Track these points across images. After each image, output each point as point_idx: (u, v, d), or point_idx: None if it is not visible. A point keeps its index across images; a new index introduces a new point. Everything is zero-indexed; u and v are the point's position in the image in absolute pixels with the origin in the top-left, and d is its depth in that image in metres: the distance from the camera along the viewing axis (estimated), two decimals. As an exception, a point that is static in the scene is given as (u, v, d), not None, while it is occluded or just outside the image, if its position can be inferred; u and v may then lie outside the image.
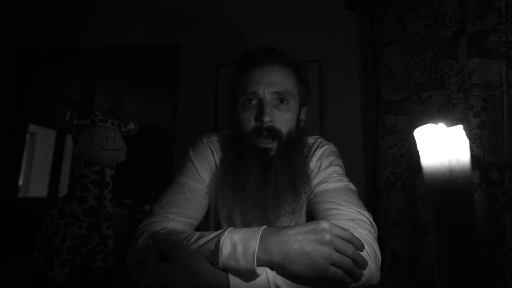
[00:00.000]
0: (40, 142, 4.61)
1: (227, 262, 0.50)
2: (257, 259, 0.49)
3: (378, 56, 1.70)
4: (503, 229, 0.98)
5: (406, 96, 1.48)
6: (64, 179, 4.63)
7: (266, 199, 0.76)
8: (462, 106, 1.13)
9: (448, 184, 0.23)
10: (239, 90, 0.83)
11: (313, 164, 0.82)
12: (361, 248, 0.52)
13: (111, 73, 3.29)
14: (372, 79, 1.76)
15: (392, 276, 1.43)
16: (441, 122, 0.24)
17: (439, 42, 1.30)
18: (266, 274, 0.50)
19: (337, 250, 0.49)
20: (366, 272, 0.54)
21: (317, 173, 0.80)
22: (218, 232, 0.54)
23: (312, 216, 0.78)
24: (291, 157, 0.77)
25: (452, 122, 1.13)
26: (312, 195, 0.77)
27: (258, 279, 0.50)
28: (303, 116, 0.88)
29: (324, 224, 0.50)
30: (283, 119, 0.78)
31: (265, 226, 0.53)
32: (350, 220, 0.65)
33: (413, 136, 0.25)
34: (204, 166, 0.83)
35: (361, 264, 0.51)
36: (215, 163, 0.85)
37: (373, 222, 0.69)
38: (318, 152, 0.84)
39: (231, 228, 0.54)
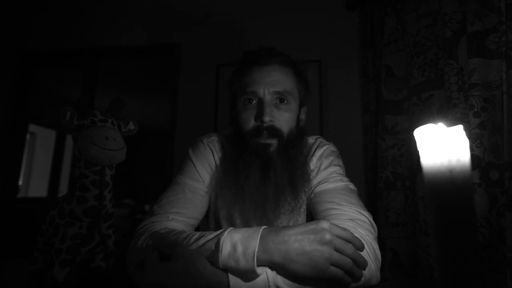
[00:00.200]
0: (40, 142, 4.61)
1: (227, 262, 0.50)
2: (257, 259, 0.49)
3: (378, 56, 1.70)
4: (503, 229, 0.98)
5: (406, 96, 1.48)
6: (64, 179, 4.63)
7: (266, 198, 0.76)
8: (462, 106, 1.13)
9: (448, 184, 0.23)
10: (239, 90, 0.83)
11: (313, 164, 0.83)
12: (361, 248, 0.52)
13: (111, 73, 3.29)
14: (372, 79, 1.76)
15: (392, 276, 1.43)
16: (441, 122, 0.24)
17: (439, 42, 1.30)
18: (266, 274, 0.50)
19: (337, 250, 0.49)
20: (366, 272, 0.54)
21: (317, 173, 0.80)
22: (218, 232, 0.54)
23: (312, 216, 0.78)
24: (291, 156, 0.78)
25: (452, 122, 1.13)
26: (312, 195, 0.77)
27: (258, 279, 0.50)
28: (303, 116, 0.88)
29: (324, 224, 0.50)
30: (283, 119, 0.78)
31: (265, 226, 0.53)
32: (350, 220, 0.65)
33: (413, 136, 0.25)
34: (204, 166, 0.83)
35: (361, 264, 0.51)
36: (215, 163, 0.85)
37: (373, 222, 0.69)
38: (318, 152, 0.84)
39: (231, 228, 0.54)
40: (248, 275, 0.50)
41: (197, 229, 0.81)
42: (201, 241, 0.54)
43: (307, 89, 0.87)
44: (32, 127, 4.35)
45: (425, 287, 1.23)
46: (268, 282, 0.49)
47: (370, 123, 1.75)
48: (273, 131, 0.76)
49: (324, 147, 0.85)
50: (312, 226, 0.50)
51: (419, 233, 1.30)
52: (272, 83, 0.78)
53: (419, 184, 1.31)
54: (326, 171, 0.80)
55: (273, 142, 0.77)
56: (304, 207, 0.80)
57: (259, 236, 0.50)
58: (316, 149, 0.85)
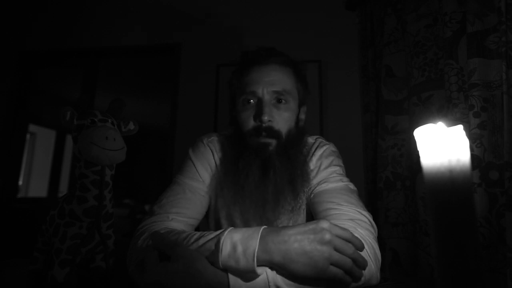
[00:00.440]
0: (40, 142, 4.61)
1: (227, 262, 0.50)
2: (257, 259, 0.49)
3: (378, 56, 1.70)
4: (503, 229, 0.98)
5: (406, 96, 1.48)
6: (64, 179, 4.63)
7: (266, 198, 0.76)
8: (462, 106, 1.13)
9: (448, 184, 0.23)
10: (238, 90, 0.83)
11: (313, 164, 0.82)
12: (361, 248, 0.52)
13: (111, 73, 3.29)
14: (372, 79, 1.76)
15: (392, 276, 1.43)
16: (441, 122, 0.24)
17: (439, 42, 1.30)
18: (266, 274, 0.50)
19: (337, 250, 0.49)
20: (366, 272, 0.54)
21: (317, 173, 0.80)
22: (218, 232, 0.54)
23: (312, 216, 0.78)
24: (291, 156, 0.78)
25: (452, 122, 1.13)
26: (312, 195, 0.77)
27: (258, 279, 0.50)
28: (302, 116, 0.88)
29: (324, 224, 0.50)
30: (282, 119, 0.78)
31: (265, 226, 0.53)
32: (350, 220, 0.65)
33: (413, 136, 0.25)
34: (204, 166, 0.83)
35: (361, 264, 0.51)
36: (215, 163, 0.85)
37: (373, 222, 0.69)
38: (318, 152, 0.84)
39: (231, 228, 0.54)
40: (248, 275, 0.50)
41: (197, 229, 0.81)
42: (201, 241, 0.54)
43: (307, 89, 0.87)
44: (32, 127, 4.35)
45: (425, 287, 1.23)
46: (268, 282, 0.49)
47: (370, 123, 1.75)
48: (272, 132, 0.76)
49: (324, 147, 0.85)
50: (312, 226, 0.50)
51: (419, 233, 1.30)
52: (271, 82, 0.78)
53: (419, 184, 1.31)
54: (326, 171, 0.80)
55: (272, 141, 0.77)
56: (304, 207, 0.80)
57: (259, 236, 0.50)
58: (316, 149, 0.85)
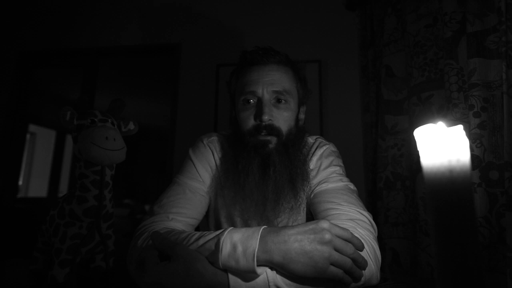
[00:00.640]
0: (40, 142, 4.61)
1: (227, 262, 0.50)
2: (257, 258, 0.49)
3: (378, 56, 1.70)
4: (503, 229, 0.98)
5: (406, 96, 1.48)
6: (64, 179, 4.63)
7: (266, 196, 0.76)
8: (462, 106, 1.13)
9: (448, 184, 0.23)
10: (237, 90, 0.83)
11: (313, 164, 0.82)
12: (361, 248, 0.52)
13: (111, 73, 3.29)
14: (372, 79, 1.76)
15: (392, 276, 1.44)
16: (441, 122, 0.24)
17: (439, 42, 1.30)
18: (266, 274, 0.50)
19: (336, 249, 0.49)
20: (366, 272, 0.54)
21: (317, 173, 0.80)
22: (218, 232, 0.54)
23: (312, 215, 0.78)
24: (291, 154, 0.78)
25: (452, 122, 1.13)
26: (312, 195, 0.77)
27: (258, 279, 0.50)
28: (302, 116, 0.88)
29: (324, 224, 0.50)
30: (282, 118, 0.78)
31: (265, 226, 0.53)
32: (350, 220, 0.65)
33: (413, 136, 0.25)
34: (204, 166, 0.83)
35: (361, 264, 0.51)
36: (215, 163, 0.85)
37: (373, 222, 0.69)
38: (318, 152, 0.84)
39: (231, 228, 0.54)
40: (248, 275, 0.50)
41: (197, 229, 0.81)
42: (201, 241, 0.54)
43: (306, 88, 0.88)
44: (32, 127, 4.35)
45: (425, 287, 1.23)
46: (268, 282, 0.49)
47: (370, 123, 1.75)
48: (272, 130, 0.77)
49: (324, 147, 0.85)
50: (312, 226, 0.50)
51: (419, 233, 1.30)
52: (271, 82, 0.78)
53: (419, 184, 1.31)
54: (326, 171, 0.80)
55: (272, 139, 0.77)
56: (304, 205, 0.80)
57: (259, 236, 0.50)
58: (316, 149, 0.85)
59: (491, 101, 1.05)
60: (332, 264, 0.48)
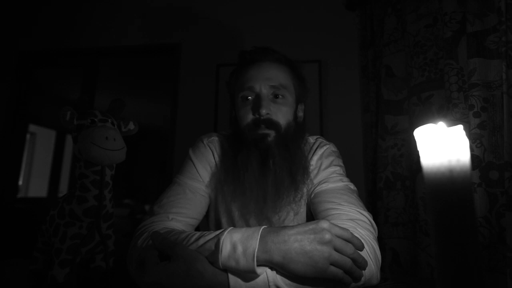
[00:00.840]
0: (40, 142, 4.61)
1: (227, 262, 0.50)
2: (257, 258, 0.49)
3: (378, 56, 1.70)
4: (503, 229, 0.98)
5: (406, 96, 1.48)
6: (64, 179, 4.63)
7: (266, 189, 0.76)
8: (462, 106, 1.13)
9: (448, 184, 0.23)
10: (236, 89, 0.85)
11: (313, 163, 0.83)
12: (361, 248, 0.52)
13: (111, 73, 3.29)
14: (372, 79, 1.76)
15: (392, 276, 1.44)
16: (441, 122, 0.24)
17: (439, 42, 1.30)
18: (266, 274, 0.50)
19: (336, 249, 0.49)
20: (366, 272, 0.54)
21: (317, 173, 0.80)
22: (217, 232, 0.54)
23: (312, 215, 0.78)
24: (290, 148, 0.78)
25: (452, 122, 1.13)
26: (312, 195, 0.77)
27: (258, 279, 0.50)
28: (301, 113, 0.88)
29: (324, 224, 0.50)
30: (280, 112, 0.79)
31: (265, 226, 0.53)
32: (350, 220, 0.65)
33: (413, 136, 0.25)
34: (204, 166, 0.84)
35: (360, 264, 0.51)
36: (215, 163, 0.85)
37: (373, 222, 0.69)
38: (319, 152, 0.84)
39: (231, 228, 0.54)
40: (248, 275, 0.50)
41: (197, 229, 0.81)
42: (201, 241, 0.54)
43: (304, 86, 0.88)
44: (32, 127, 4.35)
45: (425, 287, 1.23)
46: (268, 282, 0.49)
47: (370, 123, 1.75)
48: (271, 124, 0.77)
49: (325, 147, 0.86)
50: (312, 226, 0.50)
51: (419, 233, 1.30)
52: (268, 78, 0.79)
53: (419, 184, 1.31)
54: (326, 171, 0.80)
55: (271, 132, 0.78)
56: (305, 198, 0.80)
57: (259, 236, 0.50)
58: (316, 149, 0.85)
59: (491, 101, 1.05)
60: (332, 264, 0.48)
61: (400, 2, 1.54)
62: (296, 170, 0.77)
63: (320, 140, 0.89)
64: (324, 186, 0.76)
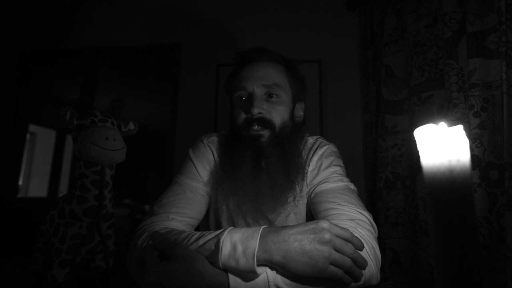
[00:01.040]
0: (40, 142, 4.61)
1: (227, 262, 0.50)
2: (257, 258, 0.49)
3: (378, 56, 1.70)
4: (503, 229, 0.98)
5: (406, 96, 1.48)
6: (64, 179, 4.63)
7: (259, 188, 0.76)
8: (462, 106, 1.13)
9: (448, 184, 0.23)
10: (232, 89, 0.85)
11: (313, 164, 0.83)
12: (361, 247, 0.52)
13: (111, 73, 3.29)
14: (372, 79, 1.76)
15: (392, 276, 1.44)
16: (441, 122, 0.24)
17: (439, 42, 1.30)
18: (266, 274, 0.50)
19: (336, 249, 0.49)
20: (366, 272, 0.54)
21: (317, 173, 0.80)
22: (217, 232, 0.54)
23: (312, 215, 0.78)
24: (285, 147, 0.78)
25: (452, 122, 1.13)
26: (313, 195, 0.77)
27: (258, 279, 0.50)
28: (300, 112, 0.88)
29: (324, 224, 0.50)
30: (274, 111, 0.79)
31: (264, 226, 0.53)
32: (350, 220, 0.65)
33: (413, 136, 0.25)
34: (204, 166, 0.84)
35: (360, 263, 0.51)
36: (215, 163, 0.85)
37: (373, 222, 0.69)
38: (319, 152, 0.84)
39: (231, 227, 0.54)
40: (248, 275, 0.50)
41: (197, 229, 0.81)
42: (201, 241, 0.54)
43: (302, 85, 0.88)
44: (32, 127, 4.35)
45: (425, 287, 1.23)
46: (268, 282, 0.49)
47: (370, 123, 1.75)
48: (264, 122, 0.77)
49: (325, 147, 0.86)
50: (311, 225, 0.50)
51: (419, 233, 1.30)
52: (261, 77, 0.79)
53: (419, 184, 1.31)
54: (327, 171, 0.80)
55: (265, 133, 0.78)
56: (302, 199, 0.80)
57: (259, 235, 0.50)
58: (316, 149, 0.85)
59: (491, 101, 1.05)
60: (332, 263, 0.48)
61: (400, 2, 1.54)
62: (290, 168, 0.78)
63: (320, 140, 0.89)
64: (324, 186, 0.76)
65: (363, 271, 0.52)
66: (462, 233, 0.23)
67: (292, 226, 0.51)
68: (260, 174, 0.76)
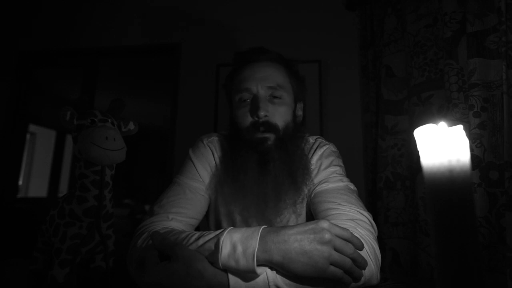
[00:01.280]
0: (40, 142, 4.61)
1: (227, 262, 0.50)
2: (257, 258, 0.49)
3: (378, 56, 1.70)
4: (503, 229, 0.98)
5: (406, 96, 1.48)
6: (64, 179, 4.63)
7: (266, 193, 0.76)
8: (462, 106, 1.13)
9: (448, 184, 0.23)
10: (233, 90, 0.84)
11: (313, 164, 0.83)
12: (361, 247, 0.52)
13: (111, 73, 3.29)
14: (372, 79, 1.76)
15: (392, 276, 1.44)
16: (441, 122, 0.24)
17: (439, 42, 1.30)
18: (266, 274, 0.50)
19: (336, 249, 0.49)
20: (366, 272, 0.54)
21: (317, 173, 0.80)
22: (217, 232, 0.54)
23: (312, 215, 0.78)
24: (289, 150, 0.78)
25: (452, 122, 1.13)
26: (312, 195, 0.77)
27: (258, 279, 0.50)
28: (300, 112, 0.88)
29: (324, 224, 0.50)
30: (278, 113, 0.79)
31: (264, 226, 0.53)
32: (350, 220, 0.65)
33: (413, 136, 0.25)
34: (204, 166, 0.83)
35: (360, 263, 0.51)
36: (215, 163, 0.85)
37: (373, 222, 0.69)
38: (319, 152, 0.84)
39: (231, 228, 0.54)
40: (248, 275, 0.50)
41: (197, 229, 0.81)
42: (201, 241, 0.54)
43: (301, 85, 0.88)
44: (32, 127, 4.35)
45: (425, 287, 1.23)
46: (268, 282, 0.49)
47: (370, 123, 1.75)
48: (269, 126, 0.77)
49: (324, 147, 0.86)
50: (311, 225, 0.50)
51: (419, 233, 1.30)
52: (264, 78, 0.79)
53: (419, 184, 1.31)
54: (326, 171, 0.80)
55: (270, 136, 0.77)
56: (305, 199, 0.80)
57: (259, 235, 0.50)
58: (316, 149, 0.85)
59: (491, 101, 1.05)
60: (331, 264, 0.48)
61: (400, 2, 1.54)
62: (296, 171, 0.77)
63: (320, 140, 0.89)
64: (324, 186, 0.76)
65: (363, 271, 0.52)
66: (462, 233, 0.23)
67: (292, 226, 0.51)
68: (267, 178, 0.76)
